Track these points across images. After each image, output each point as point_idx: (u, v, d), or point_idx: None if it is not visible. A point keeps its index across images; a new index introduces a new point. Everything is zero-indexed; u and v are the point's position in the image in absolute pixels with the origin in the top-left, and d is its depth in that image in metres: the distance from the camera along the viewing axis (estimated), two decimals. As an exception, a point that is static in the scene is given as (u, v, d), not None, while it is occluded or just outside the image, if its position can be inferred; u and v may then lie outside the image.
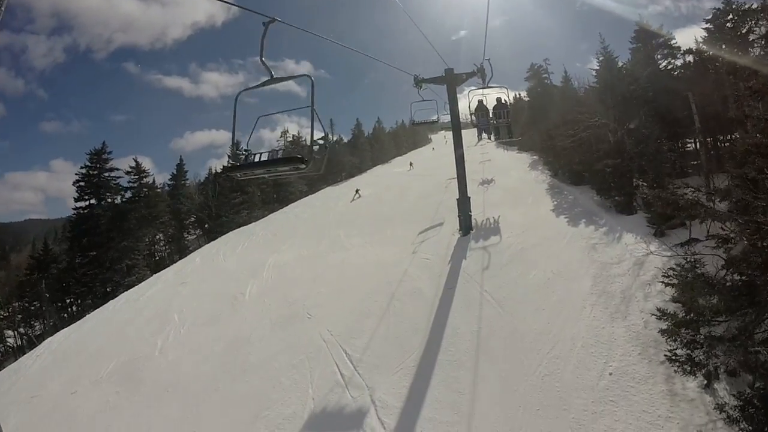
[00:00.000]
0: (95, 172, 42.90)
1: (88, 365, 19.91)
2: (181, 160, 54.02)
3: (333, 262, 25.51)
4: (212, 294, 25.08)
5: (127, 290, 33.18)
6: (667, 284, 11.45)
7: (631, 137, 22.44)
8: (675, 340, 10.02)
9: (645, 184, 21.38)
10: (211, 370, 16.97)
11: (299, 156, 4.83)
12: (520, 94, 68.65)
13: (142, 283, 33.92)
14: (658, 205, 18.22)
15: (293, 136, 65.38)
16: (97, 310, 30.17)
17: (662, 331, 10.37)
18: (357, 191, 41.73)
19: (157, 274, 35.61)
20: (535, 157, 44.88)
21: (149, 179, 47.45)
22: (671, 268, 11.35)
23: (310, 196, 55.09)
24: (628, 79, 25.20)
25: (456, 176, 24.07)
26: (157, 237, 49.14)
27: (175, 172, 54.00)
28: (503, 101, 20.87)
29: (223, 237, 42.72)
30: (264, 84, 4.47)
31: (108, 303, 30.70)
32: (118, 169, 44.30)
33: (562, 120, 30.84)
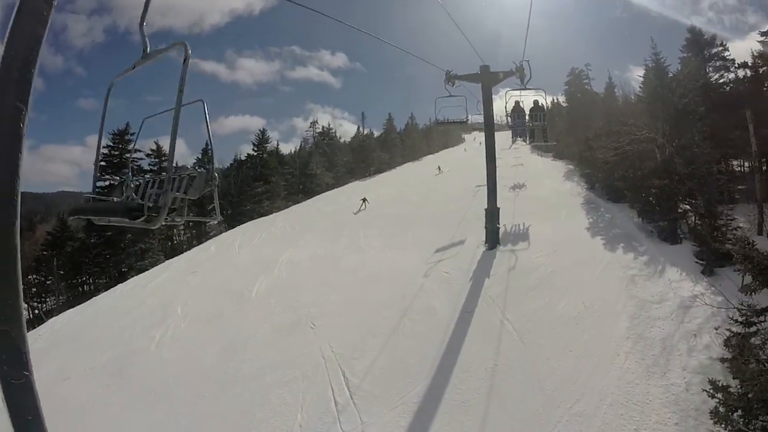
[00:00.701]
0: (117, 153, 42.22)
1: (84, 352, 19.03)
2: (206, 144, 52.79)
3: (348, 265, 24.17)
4: (219, 288, 24.00)
5: (139, 274, 32.70)
6: (724, 360, 9.50)
7: (681, 156, 20.25)
8: (725, 426, 8.11)
9: (693, 210, 19.26)
10: (201, 376, 15.78)
11: (137, 204, 3.05)
12: (557, 99, 65.99)
13: (154, 268, 33.36)
14: (708, 239, 16.36)
15: (323, 127, 64.01)
16: (105, 293, 29.54)
17: (712, 413, 8.46)
18: (364, 200, 38.06)
19: (170, 260, 34.93)
20: (570, 166, 42.55)
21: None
22: (730, 335, 9.37)
23: (335, 189, 53.66)
24: (680, 91, 22.81)
25: (485, 183, 22.62)
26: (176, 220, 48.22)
27: (200, 156, 53.19)
28: (540, 104, 20.11)
29: (242, 226, 41.58)
30: (137, 64, 3.29)
31: (117, 287, 30.09)
32: (139, 151, 43.54)
33: (604, 130, 28.52)
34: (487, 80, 21.09)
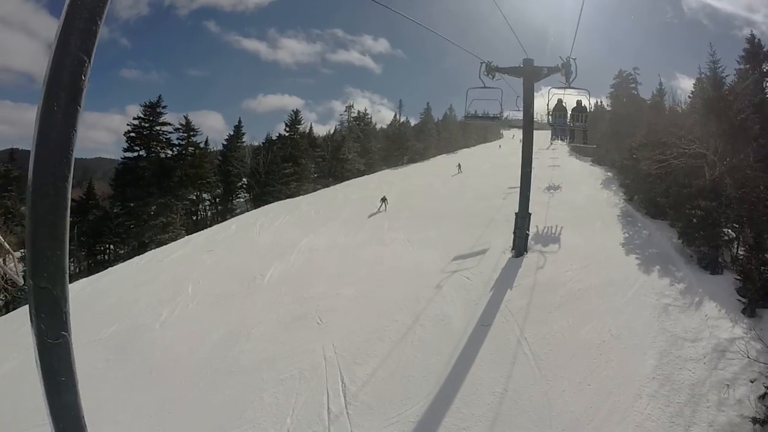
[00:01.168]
0: (147, 125, 42.22)
1: (91, 323, 18.61)
2: (239, 121, 52.01)
3: (366, 257, 23.42)
4: (233, 269, 23.61)
5: (159, 247, 32.79)
6: (756, 420, 8.26)
7: (732, 177, 18.57)
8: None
9: (739, 239, 17.67)
10: (199, 362, 15.30)
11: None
12: (601, 102, 63.59)
13: (173, 243, 33.34)
14: (754, 274, 14.85)
15: (359, 112, 62.99)
16: (121, 264, 29.69)
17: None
18: (383, 200, 33.72)
19: (190, 236, 34.79)
20: (609, 173, 40.69)
21: (199, 138, 46.34)
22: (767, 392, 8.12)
23: (366, 176, 52.87)
24: (737, 105, 20.86)
25: (519, 185, 20.96)
26: (203, 196, 48.17)
27: (232, 133, 52.76)
28: (583, 105, 19.83)
29: (267, 207, 41.40)
30: None
31: (133, 259, 30.16)
32: (170, 124, 43.52)
33: (650, 139, 26.65)
34: (530, 75, 19.54)
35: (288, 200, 42.98)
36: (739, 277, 15.58)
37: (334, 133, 60.56)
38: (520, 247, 20.20)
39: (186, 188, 43.35)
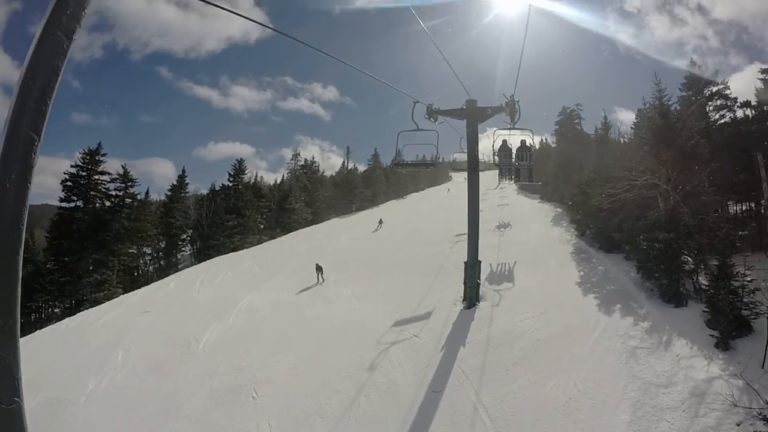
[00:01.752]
0: (85, 174, 39.51)
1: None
2: (183, 171, 50.01)
3: (310, 316, 21.85)
4: (168, 333, 21.84)
5: (94, 306, 30.62)
6: None
7: (687, 205, 17.89)
8: None
9: (701, 267, 16.83)
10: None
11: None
12: (546, 139, 64.49)
13: (107, 303, 30.88)
14: (723, 304, 13.86)
15: (306, 160, 61.70)
16: (50, 327, 27.47)
17: None
18: (319, 269, 27.58)
19: (125, 295, 32.69)
20: (559, 209, 40.42)
21: (140, 188, 44.07)
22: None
23: (313, 226, 51.27)
24: (686, 132, 20.41)
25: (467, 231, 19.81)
26: (144, 250, 45.29)
27: (175, 183, 50.29)
28: (528, 144, 19.54)
29: (209, 261, 39.52)
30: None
31: (64, 320, 27.93)
32: (108, 173, 40.88)
33: (600, 174, 26.13)
34: (474, 116, 18.67)
35: (232, 254, 41.16)
36: (707, 309, 14.57)
37: (281, 182, 58.87)
38: (471, 297, 18.81)
39: (123, 243, 40.29)
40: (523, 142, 19.66)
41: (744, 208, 25.30)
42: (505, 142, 19.50)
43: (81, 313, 28.98)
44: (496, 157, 19.54)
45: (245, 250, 42.26)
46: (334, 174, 66.43)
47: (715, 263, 15.40)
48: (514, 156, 19.61)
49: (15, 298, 1.96)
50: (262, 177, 55.13)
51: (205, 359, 18.56)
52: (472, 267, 18.65)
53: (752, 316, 13.90)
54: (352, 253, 34.06)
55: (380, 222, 43.95)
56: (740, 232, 20.84)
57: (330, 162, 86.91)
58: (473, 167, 19.00)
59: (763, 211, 23.40)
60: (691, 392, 11.49)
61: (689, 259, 17.20)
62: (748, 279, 14.21)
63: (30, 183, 1.94)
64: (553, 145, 53.76)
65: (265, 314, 23.01)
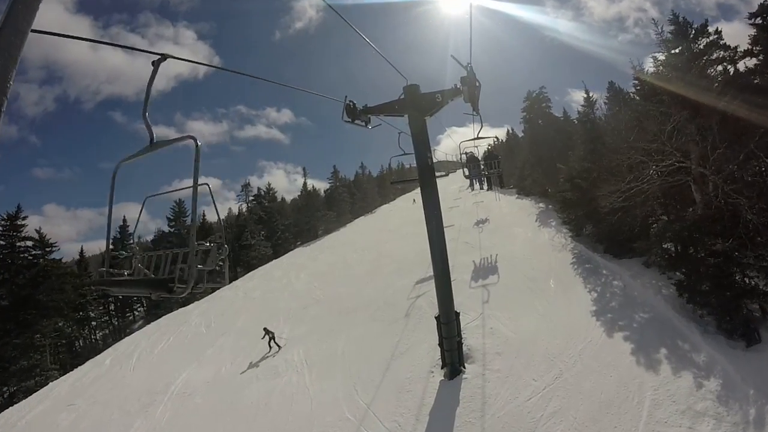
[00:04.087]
0: (4, 243, 33.02)
1: None
2: (124, 220, 43.92)
3: (249, 401, 16.97)
4: None
5: (27, 396, 25.76)
6: None
7: (738, 193, 12.30)
8: None
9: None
10: None
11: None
12: (512, 129, 60.06)
13: (34, 395, 25.36)
14: None
15: (260, 189, 55.90)
16: None
17: None
18: (269, 335, 21.42)
19: (54, 383, 26.71)
20: (542, 205, 35.34)
21: (57, 253, 37.17)
22: None
23: (274, 261, 45.63)
24: (717, 87, 14.52)
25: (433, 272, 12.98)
26: (90, 314, 39.19)
27: (118, 234, 44.06)
28: (494, 153, 20.59)
29: (154, 324, 33.90)
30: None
31: None
32: (31, 238, 34.38)
33: (597, 162, 20.58)
34: (418, 108, 12.13)
35: (179, 311, 35.66)
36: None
37: (237, 216, 53.09)
38: (453, 365, 13.03)
39: (50, 318, 33.63)
40: (488, 150, 21.45)
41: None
42: (471, 153, 19.97)
43: (6, 410, 24.04)
44: (465, 170, 19.35)
45: (194, 303, 36.47)
46: (297, 197, 61.02)
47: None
48: (482, 164, 19.93)
49: None
50: (204, 216, 48.90)
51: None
52: (448, 323, 12.73)
53: None
54: (311, 293, 29.12)
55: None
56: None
57: (297, 184, 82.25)
58: (426, 179, 12.29)
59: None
60: None
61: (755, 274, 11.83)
62: None
63: None
64: (522, 135, 49.01)
65: (198, 401, 18.30)
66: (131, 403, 19.78)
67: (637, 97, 21.33)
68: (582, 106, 27.75)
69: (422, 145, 12.03)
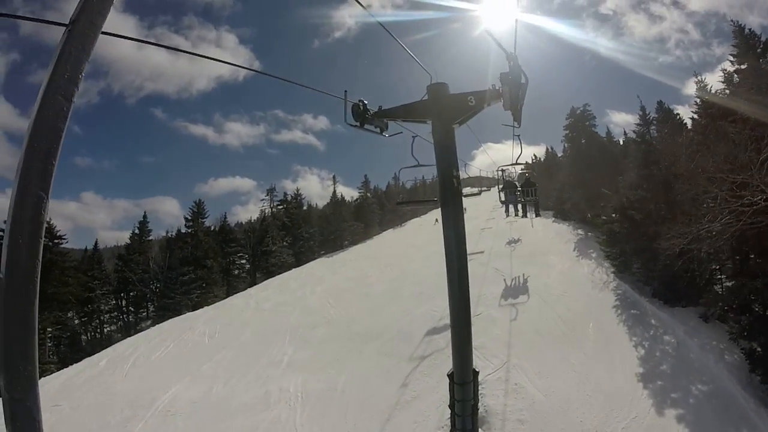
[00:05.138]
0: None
1: None
2: (144, 216, 42.55)
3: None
4: None
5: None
6: None
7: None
8: None
9: None
10: None
11: None
12: (551, 148, 57.09)
13: None
14: None
15: (286, 194, 54.48)
16: None
17: None
18: None
19: (46, 378, 24.67)
20: (580, 232, 32.69)
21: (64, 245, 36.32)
22: None
23: (293, 270, 43.73)
24: None
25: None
26: (100, 307, 38.16)
27: (137, 230, 42.67)
28: (531, 180, 20.70)
29: (156, 328, 31.93)
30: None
31: None
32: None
33: (653, 191, 17.79)
34: (445, 112, 8.77)
35: (186, 315, 33.77)
36: None
37: (263, 220, 51.55)
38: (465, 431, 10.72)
39: (51, 311, 32.51)
40: (526, 177, 20.75)
41: None
42: (509, 178, 20.35)
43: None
44: (501, 194, 19.71)
45: (204, 309, 34.88)
46: (326, 205, 59.50)
47: None
48: (518, 191, 19.91)
49: (33, 347, 1.93)
50: (225, 218, 47.48)
51: None
52: (463, 386, 10.39)
53: None
54: (324, 311, 27.00)
55: None
56: None
57: (330, 191, 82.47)
58: (448, 200, 9.58)
59: None
60: None
61: None
62: None
63: (41, 238, 1.95)
64: (560, 155, 46.31)
65: (179, 425, 16.60)
66: (113, 414, 18.40)
67: (697, 117, 18.73)
68: (637, 124, 24.77)
69: (447, 157, 9.51)
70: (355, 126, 9.18)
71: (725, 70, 16.78)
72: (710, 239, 11.66)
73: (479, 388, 10.09)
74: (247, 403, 17.09)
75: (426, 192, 70.70)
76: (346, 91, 7.57)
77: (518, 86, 6.81)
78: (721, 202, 10.86)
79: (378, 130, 9.75)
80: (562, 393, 12.23)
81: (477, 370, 9.68)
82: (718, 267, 14.81)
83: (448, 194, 9.93)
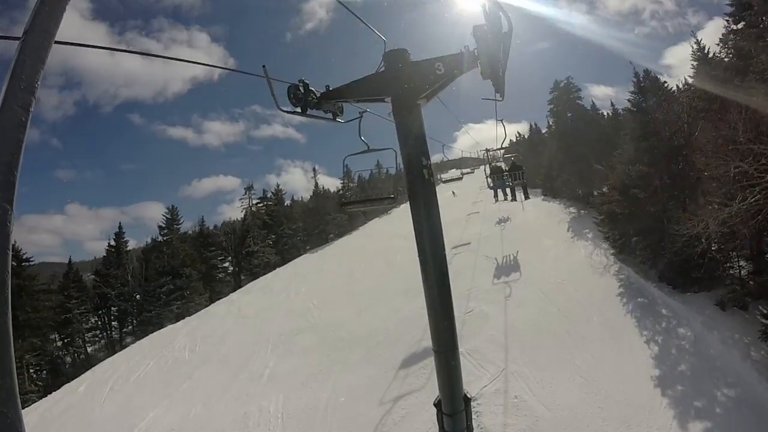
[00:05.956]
0: None
1: None
2: (119, 227, 40.19)
3: None
4: None
5: None
6: None
7: None
8: None
9: None
10: None
11: None
12: (535, 124, 55.56)
13: None
14: None
15: (265, 191, 52.55)
16: None
17: None
18: None
19: (25, 410, 22.91)
20: (572, 210, 31.25)
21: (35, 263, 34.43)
22: None
23: (278, 270, 42.03)
24: None
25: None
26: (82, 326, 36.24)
27: (113, 242, 40.37)
28: (517, 163, 20.63)
29: (137, 344, 30.58)
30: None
31: None
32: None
33: (657, 165, 16.05)
34: (405, 89, 5.85)
35: (169, 328, 32.06)
36: None
37: (243, 220, 49.64)
38: None
39: (25, 339, 30.51)
40: (512, 161, 20.83)
41: None
42: (496, 164, 20.42)
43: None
44: (489, 180, 19.98)
45: (185, 320, 33.22)
46: (307, 199, 57.65)
47: None
48: (505, 175, 19.99)
49: (10, 359, 1.56)
50: (203, 222, 45.47)
51: None
52: (454, 416, 8.78)
53: None
54: (307, 315, 25.61)
55: None
56: None
57: (320, 182, 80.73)
58: (418, 194, 6.45)
59: None
60: None
61: None
62: None
63: (9, 250, 1.63)
64: (545, 131, 44.90)
65: None
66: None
67: (696, 84, 17.10)
68: (631, 92, 23.04)
69: (414, 142, 7.18)
70: (294, 113, 7.15)
71: (727, 26, 15.11)
72: (740, 219, 10.02)
73: (472, 414, 8.41)
74: (224, 431, 15.61)
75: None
76: (264, 66, 5.67)
77: (499, 40, 4.89)
78: (746, 178, 9.21)
79: (330, 115, 7.66)
80: (568, 406, 10.69)
81: (469, 396, 7.88)
82: (734, 249, 13.28)
83: (416, 189, 7.92)
